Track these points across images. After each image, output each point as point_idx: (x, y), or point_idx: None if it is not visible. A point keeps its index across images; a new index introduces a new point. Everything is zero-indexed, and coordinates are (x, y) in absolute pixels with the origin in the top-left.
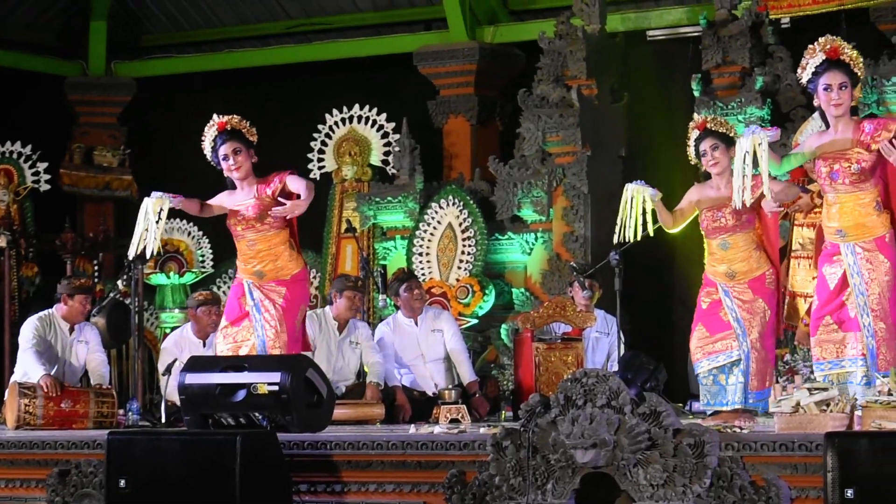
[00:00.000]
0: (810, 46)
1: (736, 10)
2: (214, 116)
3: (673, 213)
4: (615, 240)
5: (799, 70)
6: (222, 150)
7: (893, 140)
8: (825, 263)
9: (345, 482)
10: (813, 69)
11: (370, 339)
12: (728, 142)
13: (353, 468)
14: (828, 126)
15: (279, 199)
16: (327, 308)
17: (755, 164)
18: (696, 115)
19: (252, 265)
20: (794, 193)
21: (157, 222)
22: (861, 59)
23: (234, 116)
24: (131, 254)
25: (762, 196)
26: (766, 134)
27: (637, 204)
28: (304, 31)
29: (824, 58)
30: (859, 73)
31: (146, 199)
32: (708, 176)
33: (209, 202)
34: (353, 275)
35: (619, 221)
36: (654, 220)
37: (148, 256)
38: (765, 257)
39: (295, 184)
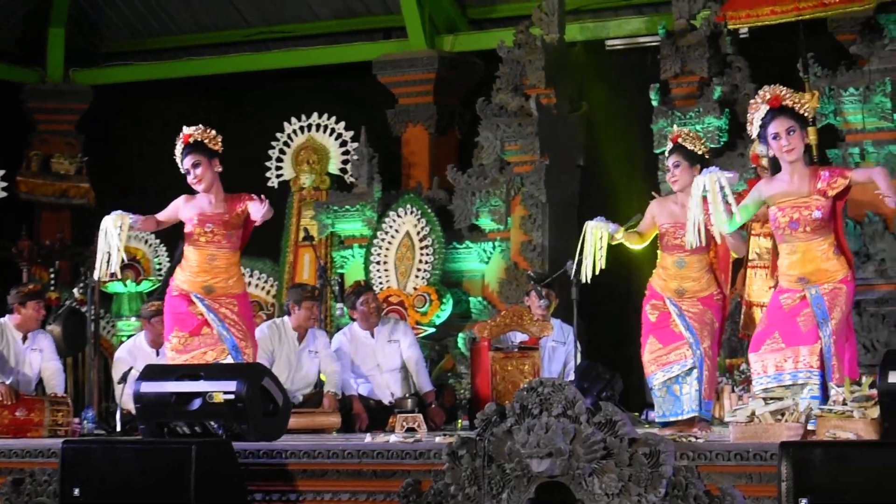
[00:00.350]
0: (752, 102)
1: (694, 21)
2: (184, 129)
3: (638, 234)
4: (576, 277)
5: (748, 126)
6: (184, 163)
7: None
8: (783, 294)
9: (300, 491)
10: (759, 122)
11: (329, 347)
12: (692, 160)
13: (309, 477)
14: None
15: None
16: (286, 318)
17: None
18: (674, 128)
19: (203, 279)
20: (744, 248)
21: (118, 236)
22: (806, 101)
23: (199, 127)
24: (98, 275)
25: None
26: (726, 174)
27: (595, 241)
28: (263, 39)
29: (768, 108)
30: (807, 115)
31: (106, 218)
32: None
33: (165, 214)
34: (309, 284)
35: (577, 258)
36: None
37: (111, 273)
38: (714, 279)
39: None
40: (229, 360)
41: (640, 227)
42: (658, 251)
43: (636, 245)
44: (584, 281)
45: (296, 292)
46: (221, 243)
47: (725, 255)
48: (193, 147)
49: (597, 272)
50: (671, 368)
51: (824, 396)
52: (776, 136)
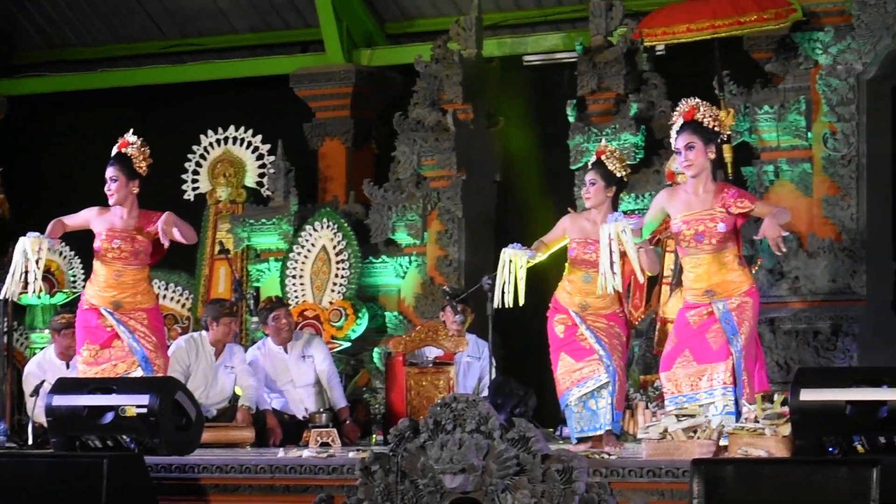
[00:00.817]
0: (674, 112)
1: (611, 37)
2: (126, 135)
3: (544, 245)
4: (495, 304)
5: (672, 137)
6: (107, 171)
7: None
8: (690, 310)
9: None
10: (675, 134)
11: (245, 362)
12: (609, 181)
13: (221, 492)
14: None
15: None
16: (204, 333)
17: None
18: (602, 141)
19: (111, 294)
20: (658, 267)
21: (37, 262)
22: (719, 118)
23: (137, 143)
24: (7, 294)
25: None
26: (630, 222)
27: (515, 269)
28: (179, 52)
29: (682, 121)
30: (717, 131)
31: (23, 240)
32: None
33: (74, 220)
34: (227, 300)
35: (497, 286)
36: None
37: (31, 295)
38: (617, 298)
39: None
40: (140, 372)
41: (547, 237)
42: (566, 265)
43: (540, 256)
44: (502, 306)
45: (214, 308)
46: (129, 260)
47: (628, 276)
48: (119, 160)
49: (520, 302)
50: (585, 384)
51: (738, 412)
52: (678, 151)
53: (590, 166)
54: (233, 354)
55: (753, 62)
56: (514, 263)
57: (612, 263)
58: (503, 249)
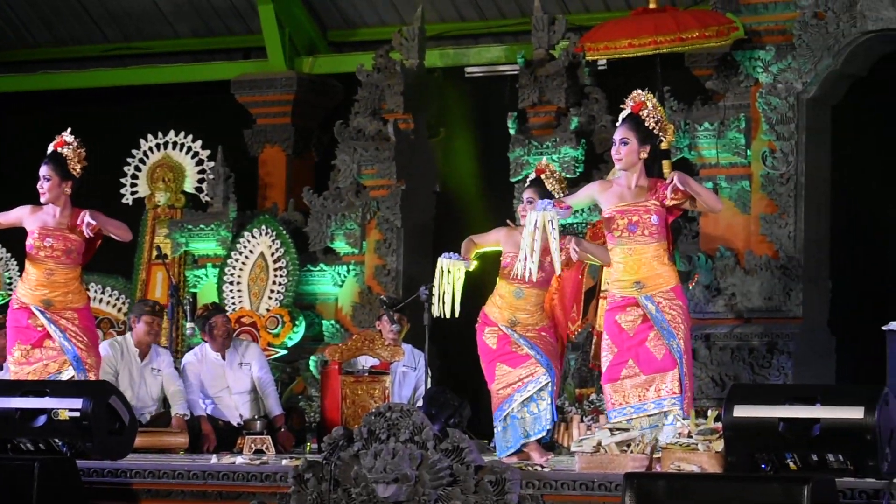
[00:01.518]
0: (626, 99)
1: (553, 51)
2: (63, 134)
3: (474, 244)
4: (433, 312)
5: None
6: (41, 168)
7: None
8: (618, 313)
9: None
10: (620, 120)
11: (171, 366)
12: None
13: (153, 497)
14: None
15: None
16: (128, 335)
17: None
18: (542, 159)
19: (42, 293)
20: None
21: None
22: (662, 120)
23: (74, 143)
24: None
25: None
26: (558, 211)
27: (453, 279)
28: (121, 55)
29: (628, 112)
30: (657, 132)
31: None
32: None
33: (6, 217)
34: (151, 299)
35: (435, 295)
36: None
37: None
38: (545, 317)
39: (113, 227)
40: (71, 371)
41: (479, 238)
42: (498, 279)
43: (474, 263)
44: (439, 316)
45: (137, 307)
46: (60, 259)
47: (576, 285)
48: (54, 159)
49: (456, 312)
50: (526, 388)
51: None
52: (613, 142)
53: (528, 183)
54: (158, 356)
55: (694, 79)
56: (451, 274)
57: (532, 251)
58: (439, 258)
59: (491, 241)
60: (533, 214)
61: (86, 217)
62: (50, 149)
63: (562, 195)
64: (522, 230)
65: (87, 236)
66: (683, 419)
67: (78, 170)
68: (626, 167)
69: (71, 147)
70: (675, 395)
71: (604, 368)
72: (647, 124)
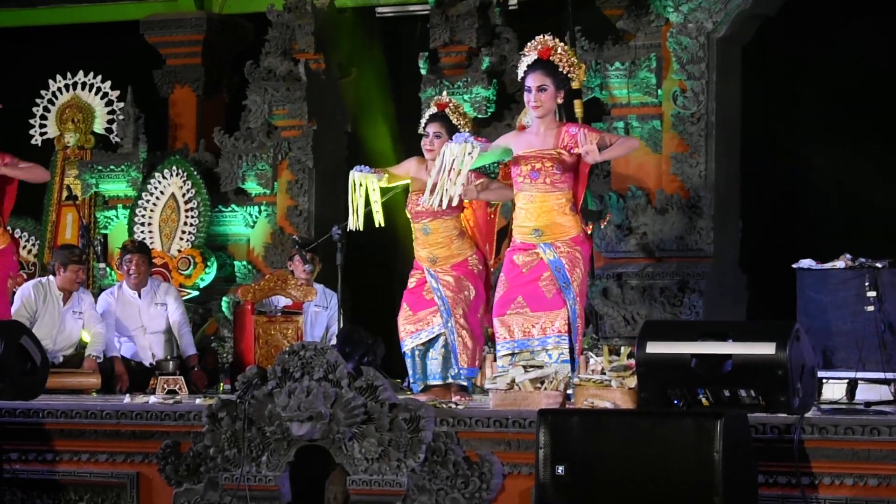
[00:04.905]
0: (530, 43)
1: None
2: None
3: (388, 171)
4: (350, 226)
5: (519, 66)
6: None
7: (591, 141)
8: (516, 253)
9: (57, 451)
10: (525, 67)
11: (94, 308)
12: (453, 134)
13: (66, 437)
14: None
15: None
16: (51, 278)
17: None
18: (443, 94)
19: None
20: (510, 195)
21: None
22: (574, 63)
23: None
24: None
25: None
26: (479, 145)
27: (366, 192)
28: None
29: (535, 57)
30: (571, 77)
31: None
32: None
33: None
34: (76, 246)
35: (349, 208)
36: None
37: None
38: (469, 243)
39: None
40: None
41: (395, 169)
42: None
43: (386, 179)
44: (352, 229)
45: (62, 255)
46: None
47: (488, 225)
48: None
49: (380, 222)
50: (419, 335)
51: (572, 360)
52: (528, 90)
53: (429, 118)
54: (81, 300)
55: (605, 19)
56: (363, 186)
57: (451, 179)
58: (351, 172)
59: (402, 172)
60: (452, 146)
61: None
62: None
63: (467, 130)
64: (428, 165)
65: (13, 181)
66: (592, 357)
67: None
68: (544, 114)
69: None
70: (560, 334)
71: (495, 302)
72: (560, 68)
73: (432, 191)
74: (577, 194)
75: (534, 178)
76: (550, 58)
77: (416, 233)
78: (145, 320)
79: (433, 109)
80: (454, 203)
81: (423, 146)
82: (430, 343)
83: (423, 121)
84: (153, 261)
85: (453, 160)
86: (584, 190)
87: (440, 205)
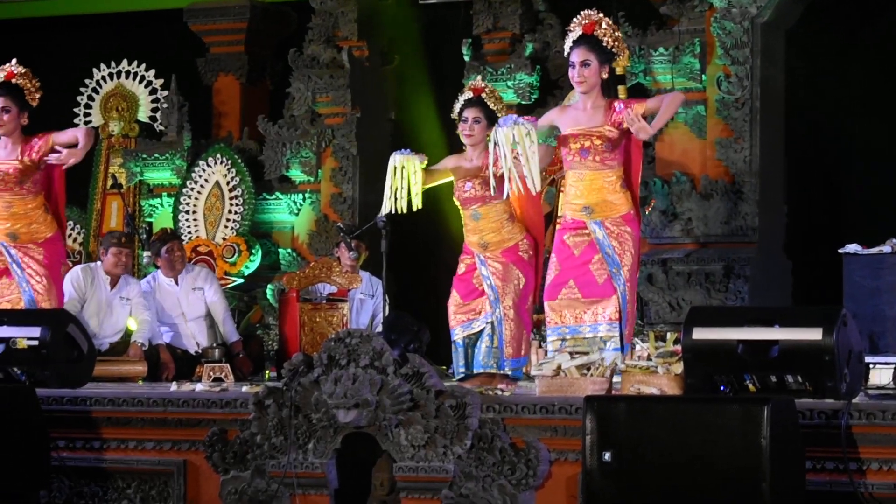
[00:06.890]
0: (575, 18)
1: None
2: (10, 64)
3: (428, 173)
4: (385, 210)
5: (565, 42)
6: None
7: (638, 117)
8: (567, 233)
9: (104, 439)
10: (570, 44)
11: (141, 295)
12: (491, 119)
13: (113, 425)
14: None
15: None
16: (99, 263)
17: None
18: (478, 79)
19: (6, 226)
20: (550, 154)
21: None
22: (619, 38)
23: (25, 72)
24: None
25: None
26: (530, 124)
27: (408, 175)
28: None
29: (580, 33)
30: (615, 51)
31: None
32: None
33: None
34: (118, 230)
35: (386, 191)
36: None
37: None
38: (519, 227)
39: (65, 136)
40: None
41: (434, 168)
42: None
43: (424, 185)
44: (390, 212)
45: (105, 239)
46: (15, 190)
47: (535, 212)
48: (11, 90)
49: (418, 206)
50: (470, 325)
51: (623, 347)
52: (573, 65)
53: (464, 103)
54: (128, 286)
55: (648, 4)
56: (406, 169)
57: (528, 163)
58: (392, 155)
59: (441, 168)
60: (503, 131)
61: (42, 146)
62: (0, 79)
63: (503, 113)
64: (468, 152)
65: (61, 164)
66: (638, 343)
67: (36, 99)
68: (588, 89)
69: (24, 76)
70: (611, 322)
71: (546, 286)
72: (604, 43)
73: (510, 180)
74: (631, 170)
75: (583, 156)
76: (594, 32)
77: (465, 219)
78: (184, 307)
79: (469, 94)
80: (539, 188)
81: (460, 132)
82: (479, 332)
83: (457, 106)
84: (198, 248)
85: (515, 146)
86: (640, 165)
87: (525, 191)
